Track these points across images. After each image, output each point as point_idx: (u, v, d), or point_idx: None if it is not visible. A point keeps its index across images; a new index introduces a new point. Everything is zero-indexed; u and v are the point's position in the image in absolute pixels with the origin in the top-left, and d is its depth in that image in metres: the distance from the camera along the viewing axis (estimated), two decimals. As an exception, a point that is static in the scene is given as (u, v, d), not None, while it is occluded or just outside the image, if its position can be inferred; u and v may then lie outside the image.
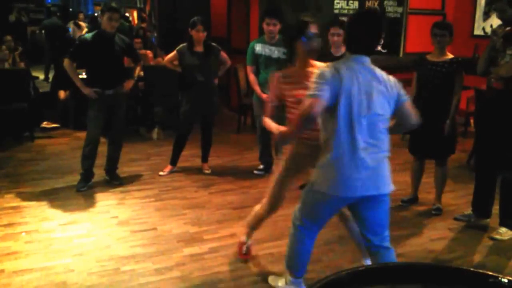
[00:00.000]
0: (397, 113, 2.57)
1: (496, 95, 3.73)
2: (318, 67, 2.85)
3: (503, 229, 3.83)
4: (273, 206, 3.13)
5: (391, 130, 2.61)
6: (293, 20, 2.90)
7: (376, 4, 7.36)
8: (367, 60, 2.51)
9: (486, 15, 7.50)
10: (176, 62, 5.06)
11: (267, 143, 5.12)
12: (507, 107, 3.65)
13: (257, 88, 4.89)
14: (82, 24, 11.37)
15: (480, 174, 3.99)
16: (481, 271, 1.26)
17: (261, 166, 5.27)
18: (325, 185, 2.52)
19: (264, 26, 4.82)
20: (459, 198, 4.59)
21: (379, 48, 7.55)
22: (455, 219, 4.15)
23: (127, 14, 13.18)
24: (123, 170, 5.09)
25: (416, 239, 3.80)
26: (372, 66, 2.52)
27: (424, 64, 4.10)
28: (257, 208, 3.25)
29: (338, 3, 7.09)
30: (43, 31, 10.44)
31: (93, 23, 12.30)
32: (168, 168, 5.20)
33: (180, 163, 5.27)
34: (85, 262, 3.33)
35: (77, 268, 3.25)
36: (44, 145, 6.18)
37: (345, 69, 2.45)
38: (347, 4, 7.12)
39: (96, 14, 14.49)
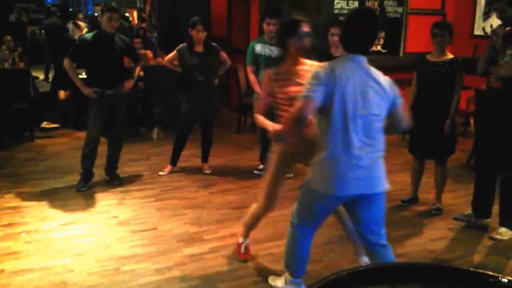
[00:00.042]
0: (390, 115, 2.58)
1: (496, 95, 3.72)
2: (308, 65, 2.92)
3: (503, 229, 3.83)
4: (269, 204, 3.15)
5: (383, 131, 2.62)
6: (286, 18, 2.94)
7: (376, 4, 7.36)
8: (363, 59, 2.52)
9: (486, 15, 7.50)
10: (176, 62, 5.06)
11: (267, 143, 5.11)
12: (507, 107, 3.65)
13: (257, 88, 4.88)
14: (81, 24, 11.36)
15: (480, 174, 3.99)
16: (481, 271, 1.26)
17: (261, 166, 5.26)
18: (321, 184, 2.54)
19: (264, 26, 4.82)
20: (459, 198, 4.59)
21: (379, 48, 7.55)
22: (455, 219, 4.15)
23: (127, 14, 13.18)
24: (123, 170, 5.08)
25: (416, 239, 3.80)
26: (369, 66, 2.52)
27: (424, 64, 4.10)
28: (253, 207, 3.27)
29: (338, 3, 7.08)
30: (43, 31, 10.44)
31: (93, 23, 12.31)
32: (168, 168, 5.20)
33: (180, 163, 5.27)
34: (85, 262, 3.33)
35: (77, 268, 3.25)
36: (44, 145, 6.18)
37: (341, 68, 2.46)
38: (347, 4, 7.12)
39: (96, 14, 14.50)
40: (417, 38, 7.42)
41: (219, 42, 5.35)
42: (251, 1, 7.47)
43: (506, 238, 3.79)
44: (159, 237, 3.74)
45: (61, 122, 6.97)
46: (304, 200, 2.70)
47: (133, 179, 4.99)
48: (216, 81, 5.17)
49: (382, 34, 7.52)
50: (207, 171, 5.23)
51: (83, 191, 4.60)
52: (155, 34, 10.44)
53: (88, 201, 4.41)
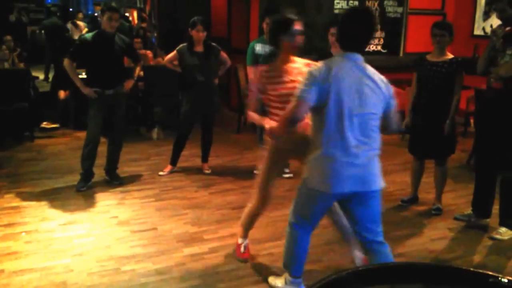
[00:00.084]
0: (383, 115, 2.59)
1: (495, 95, 3.72)
2: (299, 62, 2.98)
3: (503, 229, 3.83)
4: (263, 201, 3.17)
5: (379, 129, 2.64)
6: (278, 17, 2.98)
7: (376, 4, 7.36)
8: (360, 58, 2.52)
9: (486, 15, 7.50)
10: (176, 62, 5.06)
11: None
12: (507, 107, 3.65)
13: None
14: (80, 23, 11.36)
15: (480, 174, 3.99)
16: (481, 271, 1.26)
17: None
18: (316, 182, 2.56)
19: (264, 26, 4.82)
20: (459, 198, 4.58)
21: (379, 48, 7.55)
22: (455, 219, 4.15)
23: (127, 14, 13.19)
24: (123, 170, 5.08)
25: (416, 239, 3.80)
26: (365, 64, 2.53)
27: (424, 64, 4.10)
28: (248, 206, 3.29)
29: (338, 3, 7.08)
30: (43, 31, 10.44)
31: (93, 23, 12.31)
32: (168, 168, 5.20)
33: (180, 163, 5.27)
34: (85, 262, 3.33)
35: (77, 268, 3.25)
36: (44, 145, 6.18)
37: (337, 67, 2.47)
38: (347, 4, 7.12)
39: (96, 14, 14.50)
40: (417, 38, 7.42)
41: (219, 42, 5.35)
42: (251, 1, 7.47)
43: (506, 238, 3.79)
44: (159, 237, 3.74)
45: (61, 122, 6.97)
46: (301, 198, 2.72)
47: (133, 179, 4.99)
48: (216, 81, 5.17)
49: (382, 34, 7.52)
50: (207, 171, 5.23)
51: (83, 191, 4.60)
52: (155, 34, 10.43)
53: (88, 201, 4.41)
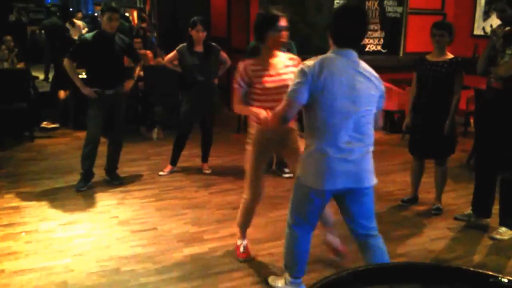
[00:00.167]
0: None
1: (495, 95, 3.72)
2: (283, 57, 3.07)
3: (503, 229, 3.83)
4: (254, 195, 3.21)
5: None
6: (264, 12, 3.03)
7: (376, 4, 7.36)
8: (353, 54, 2.53)
9: (486, 15, 7.50)
10: (176, 62, 5.06)
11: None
12: (507, 107, 3.65)
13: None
14: (78, 22, 11.36)
15: (480, 174, 3.99)
16: (481, 271, 1.26)
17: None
18: (309, 179, 2.58)
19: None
20: (459, 198, 4.58)
21: (379, 48, 7.55)
22: (455, 218, 4.15)
23: (127, 14, 13.19)
24: (123, 170, 5.08)
25: (416, 239, 3.80)
26: (358, 61, 2.54)
27: (424, 64, 4.10)
28: (241, 203, 3.32)
29: (338, 3, 7.08)
30: (43, 31, 10.44)
31: (93, 23, 12.31)
32: (168, 168, 5.20)
33: (180, 163, 5.27)
34: (85, 262, 3.33)
35: (77, 268, 3.25)
36: (44, 145, 6.18)
37: (330, 63, 2.48)
38: (347, 4, 7.12)
39: (96, 14, 14.50)
40: (417, 38, 7.42)
41: (219, 42, 5.35)
42: (251, 1, 7.47)
43: (506, 237, 3.78)
44: (159, 237, 3.74)
45: (61, 122, 6.98)
46: (296, 197, 2.73)
47: (133, 179, 4.99)
48: (216, 81, 5.18)
49: (382, 34, 7.53)
50: (207, 171, 5.23)
51: (83, 191, 4.60)
52: (155, 34, 10.43)
53: (88, 201, 4.41)
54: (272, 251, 3.52)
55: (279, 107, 2.62)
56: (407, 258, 3.46)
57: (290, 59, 3.11)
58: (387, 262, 2.68)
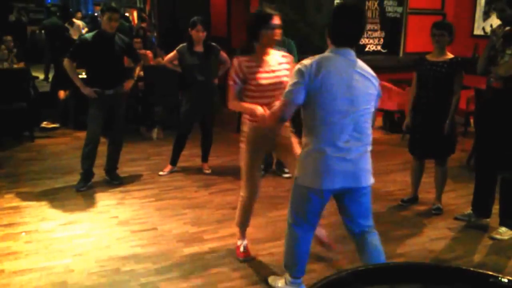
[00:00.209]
0: None
1: (495, 95, 3.72)
2: (276, 54, 3.11)
3: (503, 229, 3.83)
4: (251, 192, 3.23)
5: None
6: (257, 11, 3.07)
7: (376, 4, 7.36)
8: (351, 53, 2.54)
9: (486, 15, 7.50)
10: (176, 62, 5.06)
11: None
12: (507, 107, 3.65)
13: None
14: (77, 22, 11.36)
15: (480, 174, 3.99)
16: (481, 271, 1.26)
17: (261, 166, 5.26)
18: (307, 179, 2.58)
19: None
20: (459, 198, 4.58)
21: (379, 48, 7.55)
22: (455, 218, 4.15)
23: (127, 14, 13.19)
24: (123, 170, 5.08)
25: (416, 239, 3.80)
26: (356, 60, 2.55)
27: (424, 64, 4.10)
28: (238, 202, 3.34)
29: (338, 3, 7.08)
30: (43, 31, 10.44)
31: (93, 23, 12.30)
32: (168, 168, 5.20)
33: (180, 163, 5.27)
34: (85, 262, 3.33)
35: (77, 268, 3.25)
36: (44, 145, 6.18)
37: (327, 63, 2.48)
38: (347, 4, 7.12)
39: (96, 14, 14.50)
40: (417, 38, 7.42)
41: (219, 42, 5.35)
42: (250, 1, 7.47)
43: (506, 237, 3.78)
44: (159, 237, 3.74)
45: (61, 122, 6.98)
46: (295, 197, 2.73)
47: (133, 179, 4.99)
48: (216, 81, 5.17)
49: (382, 34, 7.52)
50: (207, 171, 5.23)
51: (83, 191, 4.60)
52: (155, 34, 10.43)
53: (88, 201, 4.41)
54: (272, 251, 3.52)
55: (276, 106, 2.65)
56: (407, 258, 3.46)
57: (283, 56, 3.16)
58: (383, 258, 2.72)
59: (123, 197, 4.51)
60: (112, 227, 3.89)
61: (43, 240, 3.64)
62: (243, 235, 3.46)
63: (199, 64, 4.88)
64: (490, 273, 1.24)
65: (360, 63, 2.56)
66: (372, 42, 7.47)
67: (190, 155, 5.56)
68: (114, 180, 4.84)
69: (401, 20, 7.61)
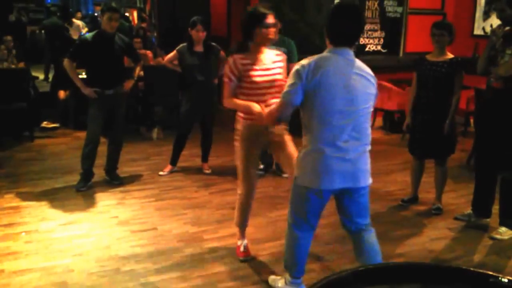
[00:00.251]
0: None
1: (495, 95, 3.72)
2: (270, 53, 3.14)
3: (503, 229, 3.83)
4: (248, 190, 3.25)
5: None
6: (252, 10, 3.10)
7: (376, 4, 7.36)
8: (350, 53, 2.54)
9: (486, 15, 7.50)
10: (176, 62, 5.06)
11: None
12: (507, 107, 3.65)
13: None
14: (77, 22, 11.36)
15: (480, 174, 3.98)
16: (481, 270, 1.26)
17: (261, 166, 5.26)
18: (306, 179, 2.59)
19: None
20: (459, 198, 4.58)
21: (379, 48, 7.55)
22: (455, 218, 4.14)
23: (127, 14, 13.19)
24: (123, 170, 5.08)
25: (416, 239, 3.80)
26: (354, 59, 2.55)
27: (424, 64, 4.10)
28: (236, 201, 3.36)
29: (336, 2, 7.08)
30: (43, 31, 10.44)
31: (93, 23, 12.30)
32: (168, 168, 5.20)
33: (180, 163, 5.27)
34: (85, 262, 3.33)
35: (77, 268, 3.25)
36: (44, 145, 6.18)
37: (326, 63, 2.48)
38: (347, 4, 7.11)
39: (96, 14, 14.49)
40: (417, 38, 7.42)
41: (219, 41, 5.35)
42: (251, 1, 7.47)
43: (506, 237, 3.78)
44: (159, 237, 3.74)
45: (61, 122, 6.98)
46: (295, 197, 2.73)
47: (133, 179, 4.99)
48: (216, 81, 5.17)
49: (382, 34, 7.52)
50: (207, 171, 5.23)
51: (83, 191, 4.60)
52: (155, 34, 10.43)
53: (88, 201, 4.41)
54: (272, 251, 3.52)
55: (274, 106, 2.69)
56: (407, 258, 3.46)
57: (277, 55, 3.19)
58: (379, 256, 2.73)
59: (123, 197, 4.51)
60: (112, 227, 3.89)
61: (43, 240, 3.63)
62: (242, 235, 3.46)
63: (199, 64, 4.88)
64: (490, 273, 1.24)
65: (359, 63, 2.56)
66: (372, 42, 7.47)
67: (190, 155, 5.56)
68: (114, 180, 4.84)
69: (401, 20, 7.60)
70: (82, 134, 5.07)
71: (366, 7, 7.24)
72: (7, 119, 6.17)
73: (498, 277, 1.22)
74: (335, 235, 3.67)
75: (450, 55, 4.04)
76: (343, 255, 3.46)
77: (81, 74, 5.10)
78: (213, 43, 5.03)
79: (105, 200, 4.43)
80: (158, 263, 3.34)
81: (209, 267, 3.30)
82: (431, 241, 3.78)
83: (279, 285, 2.98)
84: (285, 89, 2.56)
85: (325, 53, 2.55)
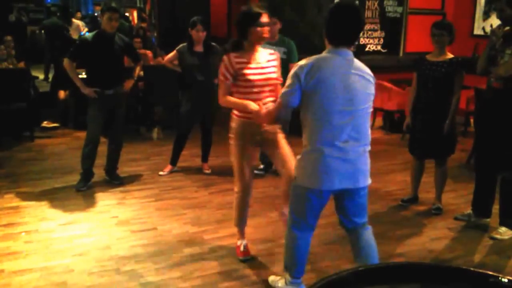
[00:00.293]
0: None
1: (495, 95, 3.72)
2: (264, 52, 3.18)
3: (503, 229, 3.83)
4: (244, 188, 3.30)
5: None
6: (247, 9, 3.12)
7: (376, 4, 7.36)
8: (349, 53, 2.54)
9: (486, 15, 7.50)
10: (176, 62, 5.06)
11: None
12: (507, 107, 3.65)
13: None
14: (76, 21, 11.36)
15: (480, 174, 3.98)
16: (481, 270, 1.26)
17: (261, 166, 5.27)
18: (306, 179, 2.59)
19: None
20: (459, 198, 4.58)
21: (379, 48, 7.55)
22: (455, 218, 4.14)
23: (127, 14, 13.19)
24: (123, 170, 5.08)
25: (416, 239, 3.80)
26: (353, 59, 2.55)
27: (423, 64, 4.10)
28: (234, 202, 3.39)
29: (335, 2, 7.07)
30: (43, 31, 10.44)
31: (93, 23, 12.30)
32: (168, 168, 5.20)
33: (180, 163, 5.27)
34: (85, 262, 3.33)
35: (77, 268, 3.24)
36: (44, 145, 6.18)
37: (325, 63, 2.49)
38: (347, 4, 7.11)
39: (96, 14, 14.49)
40: (417, 38, 7.42)
41: (218, 42, 5.35)
42: (251, 1, 7.47)
43: (506, 237, 3.78)
44: (159, 237, 3.74)
45: (61, 122, 6.98)
46: (294, 198, 2.74)
47: (133, 179, 4.99)
48: (216, 81, 5.16)
49: (382, 34, 7.52)
50: (207, 171, 5.23)
51: (83, 191, 4.60)
52: (155, 34, 10.44)
53: (88, 201, 4.41)
54: (272, 251, 3.52)
55: (272, 107, 2.72)
56: (407, 258, 3.46)
57: (271, 54, 3.23)
58: (375, 253, 2.75)
59: (123, 197, 4.51)
60: (112, 227, 3.88)
61: (43, 240, 3.63)
62: (242, 235, 3.47)
63: (199, 64, 4.88)
64: (490, 273, 1.24)
65: (358, 63, 2.56)
66: (372, 42, 7.47)
67: (190, 155, 5.56)
68: (114, 180, 4.84)
69: (401, 20, 7.60)
70: (82, 134, 5.07)
71: (366, 7, 7.24)
72: (7, 119, 6.17)
73: (498, 277, 1.22)
74: (335, 235, 3.67)
75: (450, 55, 4.04)
76: (343, 255, 3.46)
77: (81, 74, 5.10)
78: (213, 43, 5.03)
79: (105, 200, 4.43)
80: (158, 263, 3.34)
81: (209, 267, 3.30)
82: (431, 241, 3.78)
83: (279, 285, 2.98)
84: (284, 90, 2.58)
85: (324, 54, 2.55)
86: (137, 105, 6.96)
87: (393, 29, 7.56)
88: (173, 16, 9.60)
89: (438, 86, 4.02)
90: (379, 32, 7.48)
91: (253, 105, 2.94)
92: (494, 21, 6.45)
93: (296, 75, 2.49)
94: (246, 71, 3.07)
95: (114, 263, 3.32)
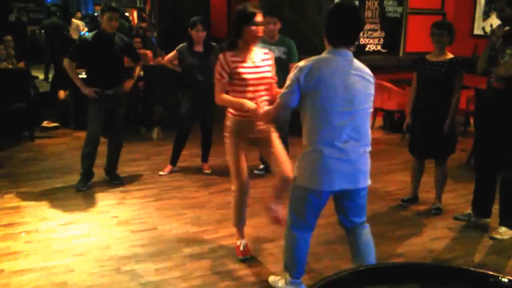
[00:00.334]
0: None
1: (495, 95, 3.72)
2: (259, 51, 3.20)
3: (503, 229, 3.83)
4: (240, 186, 3.28)
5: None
6: (242, 8, 3.14)
7: (376, 4, 7.36)
8: (349, 54, 2.54)
9: (486, 15, 7.50)
10: (176, 62, 5.06)
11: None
12: (507, 107, 3.65)
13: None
14: (75, 21, 11.36)
15: (480, 174, 3.98)
16: (481, 270, 1.26)
17: (261, 166, 5.27)
18: (306, 180, 2.59)
19: (264, 25, 4.81)
20: (459, 198, 4.58)
21: (379, 48, 7.55)
22: (455, 218, 4.14)
23: (127, 14, 13.19)
24: (123, 170, 5.08)
25: (416, 239, 3.80)
26: (353, 60, 2.55)
27: (423, 64, 4.10)
28: (232, 201, 3.38)
29: (335, 3, 7.07)
30: (43, 31, 10.44)
31: (93, 23, 12.30)
32: (168, 168, 5.20)
33: (180, 163, 5.27)
34: (85, 262, 3.33)
35: (77, 268, 3.25)
36: (44, 145, 6.18)
37: (325, 64, 2.49)
38: (347, 4, 7.11)
39: (96, 14, 14.49)
40: (417, 38, 7.42)
41: (219, 42, 5.34)
42: (251, 1, 7.47)
43: (506, 237, 3.78)
44: (159, 237, 3.74)
45: (61, 122, 6.98)
46: (294, 198, 2.74)
47: (133, 179, 4.99)
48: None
49: (382, 34, 7.52)
50: (207, 171, 5.23)
51: (83, 191, 4.60)
52: (155, 34, 10.44)
53: (88, 201, 4.41)
54: (272, 251, 3.52)
55: (271, 107, 2.73)
56: (407, 258, 3.46)
57: (265, 53, 3.25)
58: (372, 252, 2.76)
59: (123, 197, 4.51)
60: (112, 227, 3.88)
61: (43, 240, 3.63)
62: (241, 234, 3.47)
63: (199, 64, 4.89)
64: (490, 273, 1.24)
65: (358, 63, 2.56)
66: (372, 42, 7.47)
67: (190, 155, 5.56)
68: (114, 180, 4.84)
69: (401, 20, 7.60)
70: (82, 134, 5.07)
71: (366, 7, 7.24)
72: (7, 119, 6.17)
73: (498, 277, 1.22)
74: (335, 235, 3.67)
75: (450, 55, 4.04)
76: (342, 255, 3.46)
77: (81, 74, 5.10)
78: (213, 43, 5.03)
79: (105, 200, 4.43)
80: (158, 263, 3.34)
81: (209, 267, 3.30)
82: (431, 241, 3.78)
83: (279, 285, 2.98)
84: (283, 90, 2.58)
85: (324, 54, 2.55)
86: (137, 105, 6.96)
87: (393, 29, 7.56)
88: (173, 16, 9.60)
89: (438, 86, 4.02)
90: (379, 32, 7.48)
91: (249, 104, 2.96)
92: (494, 21, 6.45)
93: (295, 76, 2.50)
94: (241, 70, 3.08)
95: (114, 263, 3.32)
